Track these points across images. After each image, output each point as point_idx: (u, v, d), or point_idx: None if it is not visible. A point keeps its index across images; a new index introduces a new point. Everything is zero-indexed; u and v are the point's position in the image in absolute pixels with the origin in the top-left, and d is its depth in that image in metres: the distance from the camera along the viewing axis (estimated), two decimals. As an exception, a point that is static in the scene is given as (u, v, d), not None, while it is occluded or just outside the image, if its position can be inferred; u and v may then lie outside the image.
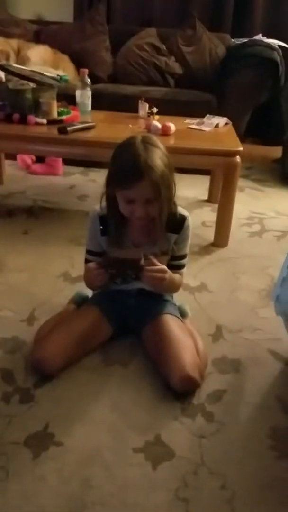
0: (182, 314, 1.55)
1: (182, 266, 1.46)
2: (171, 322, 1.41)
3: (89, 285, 1.47)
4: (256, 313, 1.71)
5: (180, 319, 1.48)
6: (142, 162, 1.21)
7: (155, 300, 1.48)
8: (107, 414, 1.25)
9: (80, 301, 1.61)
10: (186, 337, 1.39)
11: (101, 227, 1.39)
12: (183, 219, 1.40)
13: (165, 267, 1.32)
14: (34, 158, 3.05)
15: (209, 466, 1.12)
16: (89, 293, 1.61)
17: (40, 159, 3.02)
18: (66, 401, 1.28)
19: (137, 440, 1.18)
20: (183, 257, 1.45)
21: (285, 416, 1.27)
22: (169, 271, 1.34)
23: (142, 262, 1.26)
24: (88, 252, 1.46)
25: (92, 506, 1.02)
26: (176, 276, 1.42)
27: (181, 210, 1.41)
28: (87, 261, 1.45)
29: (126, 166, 1.23)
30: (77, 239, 2.14)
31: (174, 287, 1.46)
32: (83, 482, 1.07)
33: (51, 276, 1.87)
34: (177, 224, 1.39)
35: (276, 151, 3.55)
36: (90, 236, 1.44)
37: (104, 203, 1.37)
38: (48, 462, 1.11)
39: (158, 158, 1.24)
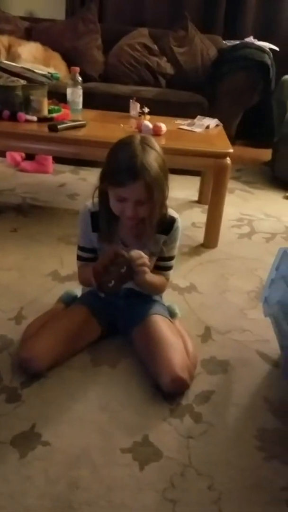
0: (172, 314, 1.55)
1: (169, 268, 1.46)
2: (160, 322, 1.40)
3: (85, 285, 1.48)
4: (244, 315, 1.71)
5: (169, 319, 1.48)
6: (139, 163, 1.20)
7: (144, 301, 1.48)
8: (95, 415, 1.24)
9: (69, 301, 1.60)
10: (175, 337, 1.39)
11: (92, 224, 1.38)
12: (172, 220, 1.40)
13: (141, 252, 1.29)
14: (23, 155, 3.02)
15: (196, 467, 1.12)
16: (78, 292, 1.61)
17: (30, 157, 3.00)
18: (54, 401, 1.27)
19: (125, 440, 1.17)
20: (171, 258, 1.45)
21: (273, 417, 1.28)
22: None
23: (123, 253, 1.23)
24: (81, 248, 1.45)
25: (79, 507, 1.01)
26: (160, 278, 1.42)
27: (171, 211, 1.40)
28: (79, 257, 1.45)
29: (122, 164, 1.22)
30: (67, 237, 2.13)
31: (154, 287, 1.42)
32: (70, 482, 1.06)
33: (40, 274, 1.86)
34: (167, 225, 1.39)
35: (266, 154, 3.57)
36: (81, 233, 1.43)
37: (96, 199, 1.36)
38: (35, 462, 1.10)
39: (154, 160, 1.23)
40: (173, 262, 1.46)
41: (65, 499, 1.02)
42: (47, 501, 1.02)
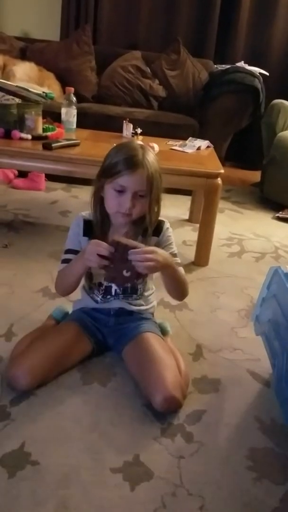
0: (163, 331, 1.55)
1: (177, 264, 1.40)
2: (152, 340, 1.40)
3: (61, 290, 1.45)
4: (235, 333, 1.72)
5: (161, 337, 1.47)
6: (140, 155, 1.28)
7: (135, 319, 1.47)
8: (85, 434, 1.22)
9: (60, 317, 1.59)
10: (168, 355, 1.38)
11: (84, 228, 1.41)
12: (161, 223, 1.43)
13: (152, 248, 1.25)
14: (16, 172, 3.04)
15: (187, 487, 1.11)
16: (69, 308, 1.60)
17: (22, 174, 3.01)
18: (43, 419, 1.25)
19: (115, 460, 1.16)
20: (174, 256, 1.41)
21: (264, 436, 1.28)
22: (164, 253, 1.28)
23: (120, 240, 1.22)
24: (68, 251, 1.42)
25: (68, 529, 0.99)
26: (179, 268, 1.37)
27: None
28: (64, 260, 1.41)
29: (122, 157, 1.28)
30: (58, 254, 2.11)
31: (181, 279, 1.37)
32: (59, 503, 1.04)
33: (31, 291, 1.85)
34: (156, 228, 1.41)
35: (254, 175, 3.64)
36: (71, 236, 1.44)
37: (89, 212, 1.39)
38: (24, 482, 1.07)
39: (153, 159, 1.31)
40: (178, 260, 1.41)
41: (54, 520, 1.00)
42: (36, 522, 0.99)
